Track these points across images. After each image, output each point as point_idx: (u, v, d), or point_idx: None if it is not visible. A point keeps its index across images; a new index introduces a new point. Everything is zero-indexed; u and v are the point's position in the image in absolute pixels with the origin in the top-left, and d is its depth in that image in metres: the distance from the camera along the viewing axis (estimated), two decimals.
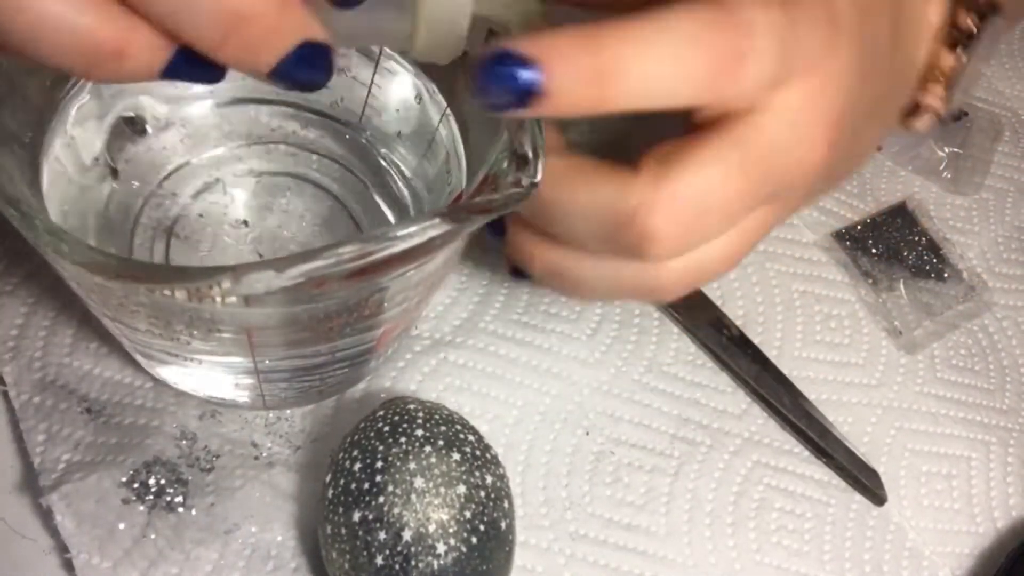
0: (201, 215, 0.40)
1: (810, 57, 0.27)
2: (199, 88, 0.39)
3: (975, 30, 0.36)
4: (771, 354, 0.48)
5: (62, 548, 0.38)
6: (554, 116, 0.26)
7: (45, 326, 0.42)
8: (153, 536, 0.39)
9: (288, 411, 0.42)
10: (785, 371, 0.47)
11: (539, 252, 0.32)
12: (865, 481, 0.45)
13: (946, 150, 0.56)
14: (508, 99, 0.25)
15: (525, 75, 0.24)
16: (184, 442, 0.41)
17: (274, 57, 0.24)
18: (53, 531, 0.39)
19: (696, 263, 0.30)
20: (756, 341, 0.48)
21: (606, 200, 0.27)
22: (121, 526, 0.39)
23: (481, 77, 0.25)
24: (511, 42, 0.24)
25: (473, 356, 0.45)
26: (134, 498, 0.39)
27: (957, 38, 0.36)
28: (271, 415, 0.42)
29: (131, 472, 0.39)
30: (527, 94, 0.24)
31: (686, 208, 0.27)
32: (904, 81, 0.36)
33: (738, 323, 0.48)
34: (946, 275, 0.52)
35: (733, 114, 0.27)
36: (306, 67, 0.24)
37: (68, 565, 0.38)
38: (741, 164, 0.27)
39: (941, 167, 0.55)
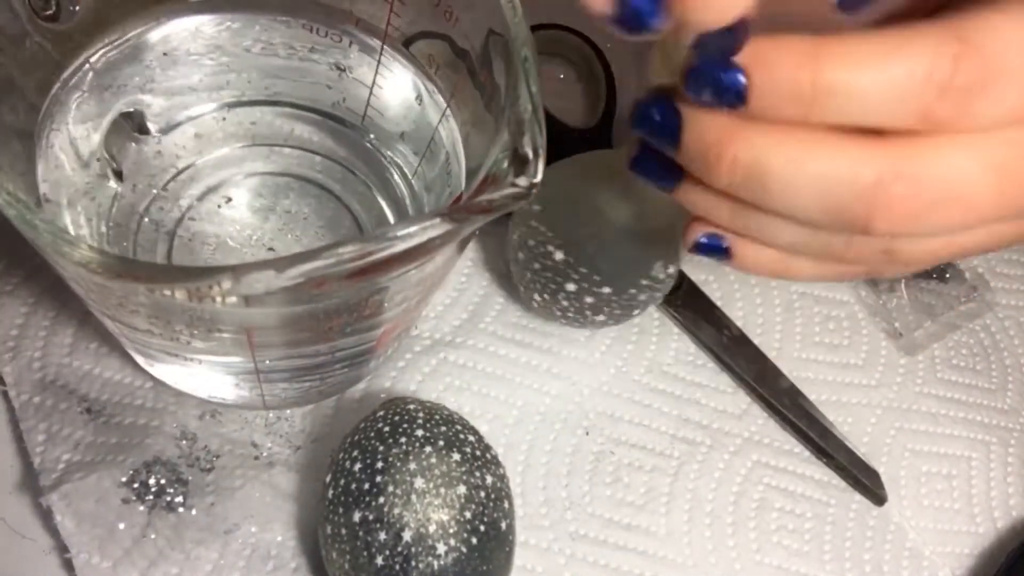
0: (204, 217, 0.40)
1: None
2: (202, 89, 0.39)
3: None
4: (771, 355, 0.48)
5: (62, 548, 0.38)
6: (768, 118, 0.25)
7: (45, 326, 0.42)
8: (153, 536, 0.39)
9: (288, 411, 0.42)
10: (785, 372, 0.47)
11: (731, 208, 0.28)
12: (865, 481, 0.45)
13: None
14: (711, 99, 0.25)
15: (732, 76, 0.24)
16: (184, 442, 0.41)
17: None
18: (53, 531, 0.39)
19: (903, 246, 0.28)
20: (756, 342, 0.48)
21: (843, 166, 0.25)
22: (121, 526, 0.39)
23: (691, 72, 0.25)
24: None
25: (473, 356, 0.45)
26: (134, 498, 0.39)
27: None
28: (271, 415, 0.42)
29: (131, 472, 0.39)
30: (732, 95, 0.24)
31: (930, 190, 0.25)
32: None
33: (738, 324, 0.48)
34: (948, 275, 0.51)
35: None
36: None
37: (68, 565, 0.38)
38: (1003, 167, 0.25)
39: None
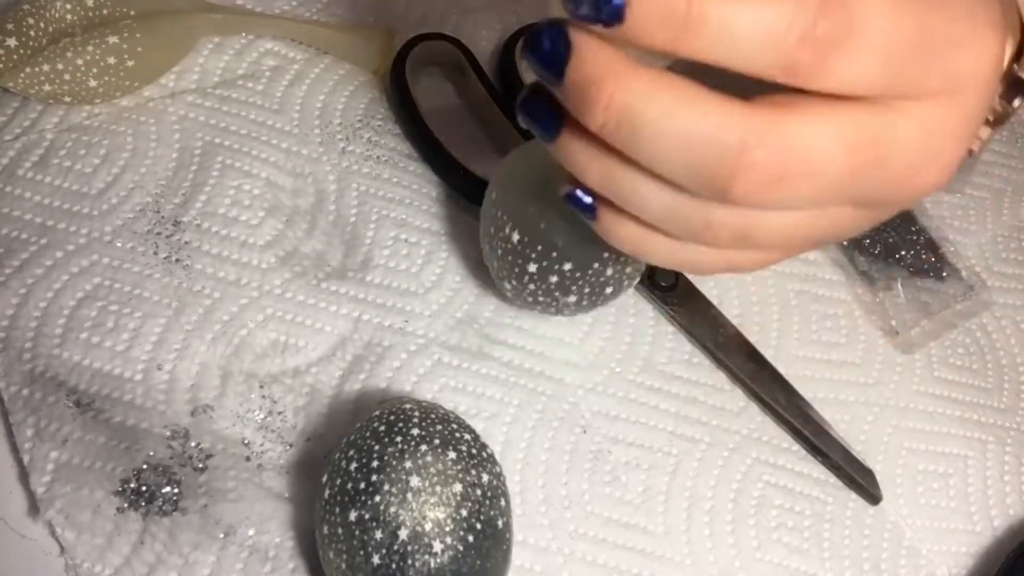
0: None
1: (948, 80, 0.27)
2: None
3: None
4: (767, 353, 0.48)
5: (62, 548, 0.38)
6: (633, 45, 0.25)
7: (36, 317, 0.42)
8: (150, 542, 0.39)
9: (282, 408, 0.42)
10: (782, 370, 0.47)
11: (601, 161, 0.29)
12: (860, 480, 0.45)
13: None
14: (588, 11, 0.25)
15: None
16: (176, 441, 0.41)
17: None
18: (51, 529, 0.39)
19: (758, 227, 0.29)
20: (752, 340, 0.48)
21: (711, 125, 0.26)
22: (118, 535, 0.39)
23: None
24: None
25: (468, 358, 0.45)
26: (127, 506, 0.39)
27: (1014, 80, 0.34)
28: (265, 412, 0.42)
29: (120, 482, 0.39)
30: (608, 13, 0.25)
31: (788, 159, 0.26)
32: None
33: (734, 322, 0.48)
34: (945, 274, 0.51)
35: (864, 99, 0.26)
36: None
37: (68, 565, 0.38)
38: (854, 146, 0.26)
39: None
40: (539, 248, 0.39)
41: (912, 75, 0.26)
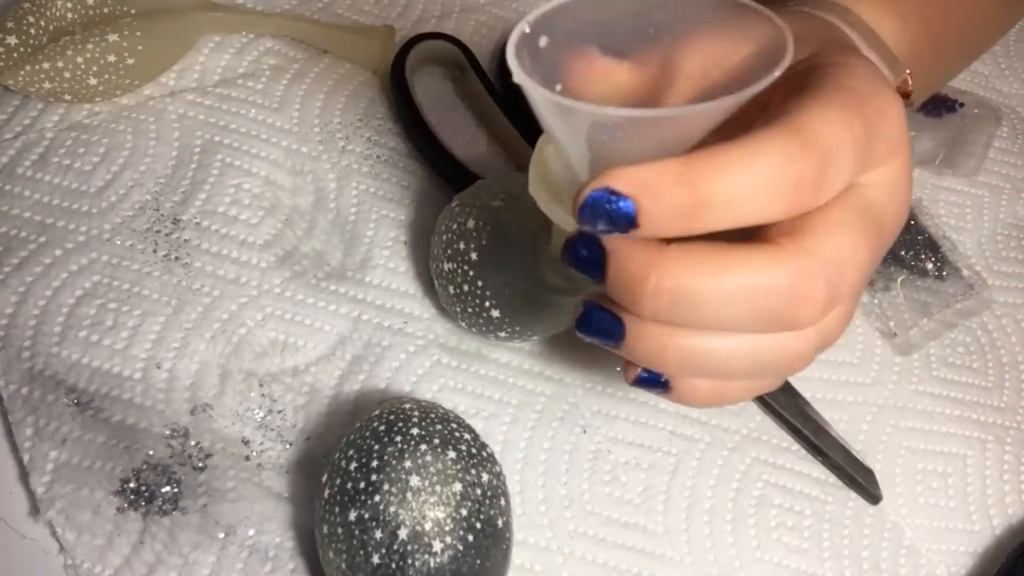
0: None
1: (890, 144, 0.31)
2: None
3: None
4: None
5: (62, 547, 0.38)
6: (661, 236, 0.28)
7: (35, 315, 0.42)
8: (150, 542, 0.39)
9: (281, 407, 0.42)
10: None
11: (674, 342, 0.31)
12: (860, 480, 0.45)
13: (941, 138, 0.56)
14: (607, 227, 0.28)
15: (622, 207, 0.27)
16: (175, 440, 0.41)
17: None
18: (52, 530, 0.39)
19: (826, 327, 0.32)
20: None
21: (758, 279, 0.28)
22: (118, 535, 0.39)
23: (583, 210, 0.28)
24: (611, 177, 0.27)
25: (467, 359, 0.45)
26: (127, 506, 0.39)
27: None
28: (265, 411, 0.42)
29: (120, 481, 0.39)
30: (624, 223, 0.27)
31: (834, 271, 0.29)
32: None
33: None
34: (945, 273, 0.51)
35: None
36: None
37: (68, 565, 0.38)
38: (863, 227, 0.30)
39: (934, 157, 0.56)
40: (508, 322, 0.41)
41: (870, 157, 0.30)
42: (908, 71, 0.40)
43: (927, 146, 0.56)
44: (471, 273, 0.40)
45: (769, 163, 0.28)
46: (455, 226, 0.41)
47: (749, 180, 0.27)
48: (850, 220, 0.30)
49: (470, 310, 0.41)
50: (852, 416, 0.48)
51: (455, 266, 0.41)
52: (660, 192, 0.27)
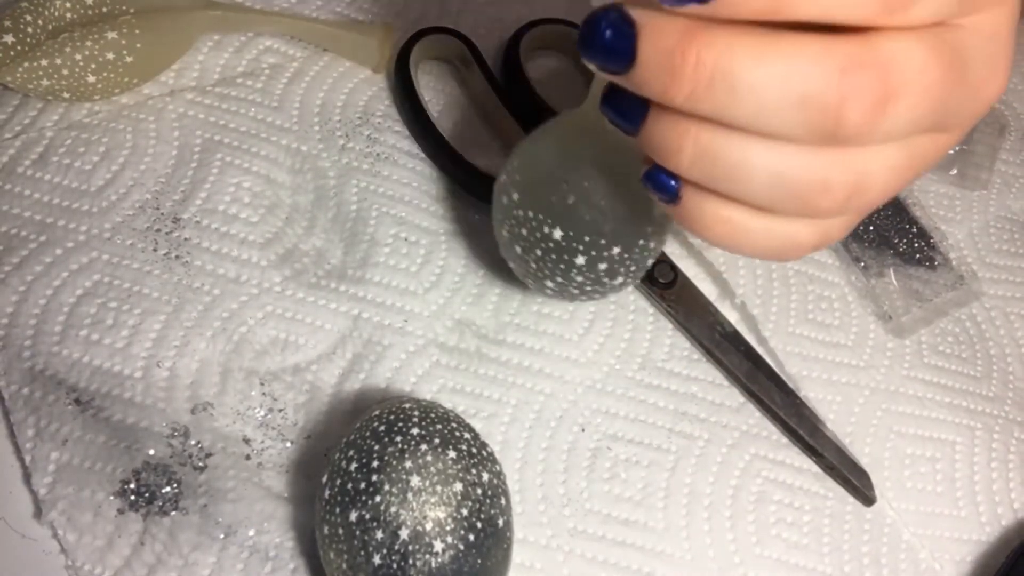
0: None
1: None
2: None
3: None
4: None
5: (62, 548, 0.38)
6: (736, 15, 0.25)
7: (35, 314, 0.42)
8: (150, 543, 0.39)
9: (282, 405, 0.43)
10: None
11: (696, 130, 0.27)
12: (855, 481, 0.45)
13: (955, 148, 0.56)
14: None
15: None
16: (175, 440, 0.41)
17: None
18: (53, 531, 0.39)
19: (868, 174, 0.28)
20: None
21: (808, 59, 0.25)
22: (119, 536, 0.39)
23: None
24: None
25: (466, 359, 0.45)
26: (127, 507, 0.39)
27: None
28: (265, 409, 0.42)
29: (120, 482, 0.39)
30: None
31: (889, 76, 0.25)
32: None
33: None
34: (936, 263, 0.52)
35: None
36: None
37: (69, 566, 0.38)
38: (942, 56, 0.26)
39: (951, 166, 0.56)
40: (586, 240, 0.37)
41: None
42: None
43: None
44: (520, 211, 0.38)
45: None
46: (498, 189, 0.40)
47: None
48: (931, 41, 0.26)
49: (544, 257, 0.39)
50: (845, 398, 0.48)
51: (510, 220, 0.39)
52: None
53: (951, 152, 0.56)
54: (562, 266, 0.39)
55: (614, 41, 0.26)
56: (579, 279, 0.39)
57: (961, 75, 0.27)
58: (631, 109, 0.28)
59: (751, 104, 0.25)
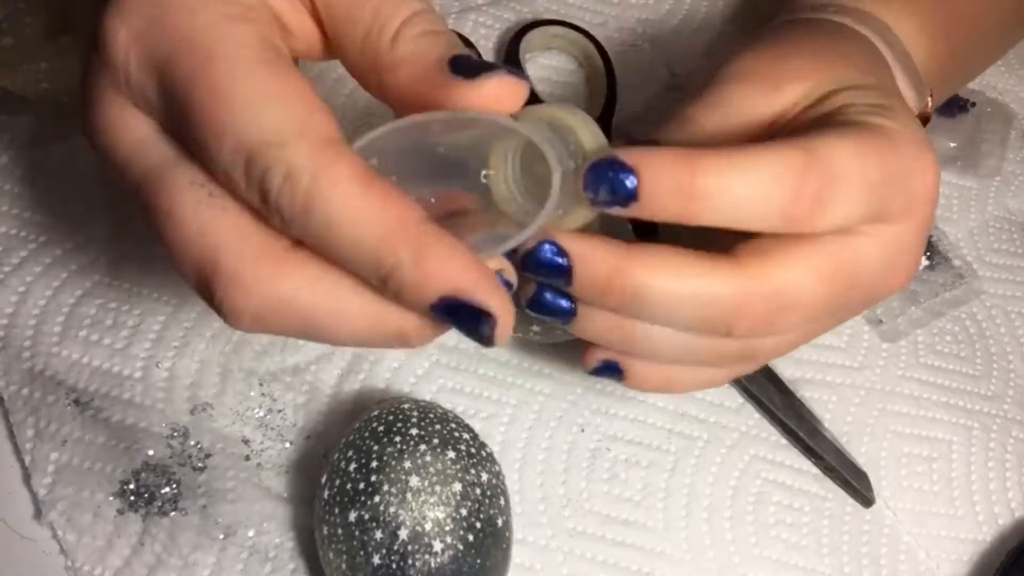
0: None
1: (907, 203, 0.32)
2: None
3: None
4: None
5: (62, 548, 0.38)
6: (648, 218, 0.30)
7: (35, 315, 0.42)
8: (150, 543, 0.39)
9: (281, 406, 0.43)
10: None
11: (619, 325, 0.33)
12: (854, 483, 0.45)
13: (960, 142, 0.56)
14: (607, 197, 0.29)
15: (624, 179, 0.29)
16: (175, 440, 0.41)
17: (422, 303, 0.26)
18: (53, 532, 0.39)
19: (758, 348, 0.34)
20: None
21: (710, 289, 0.30)
22: (118, 537, 0.39)
23: (588, 175, 0.29)
24: (621, 151, 0.29)
25: (465, 359, 0.45)
26: (127, 508, 0.39)
27: None
28: (265, 410, 0.42)
29: (120, 483, 0.40)
30: (624, 196, 0.29)
31: (775, 303, 0.31)
32: None
33: None
34: (934, 262, 0.52)
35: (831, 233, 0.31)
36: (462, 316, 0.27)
37: (68, 567, 0.38)
38: (828, 277, 0.31)
39: (956, 160, 0.56)
40: None
41: (880, 205, 0.31)
42: (931, 92, 0.40)
43: (945, 146, 0.56)
44: None
45: (771, 169, 0.29)
46: None
47: (748, 180, 0.29)
48: (821, 266, 0.31)
49: None
50: (840, 398, 0.48)
51: None
52: (661, 172, 0.29)
53: (954, 147, 0.56)
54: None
55: (552, 266, 0.31)
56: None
57: (850, 288, 0.32)
58: (559, 310, 0.33)
59: (660, 317, 0.31)
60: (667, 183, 0.29)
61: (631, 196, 0.29)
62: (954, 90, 0.50)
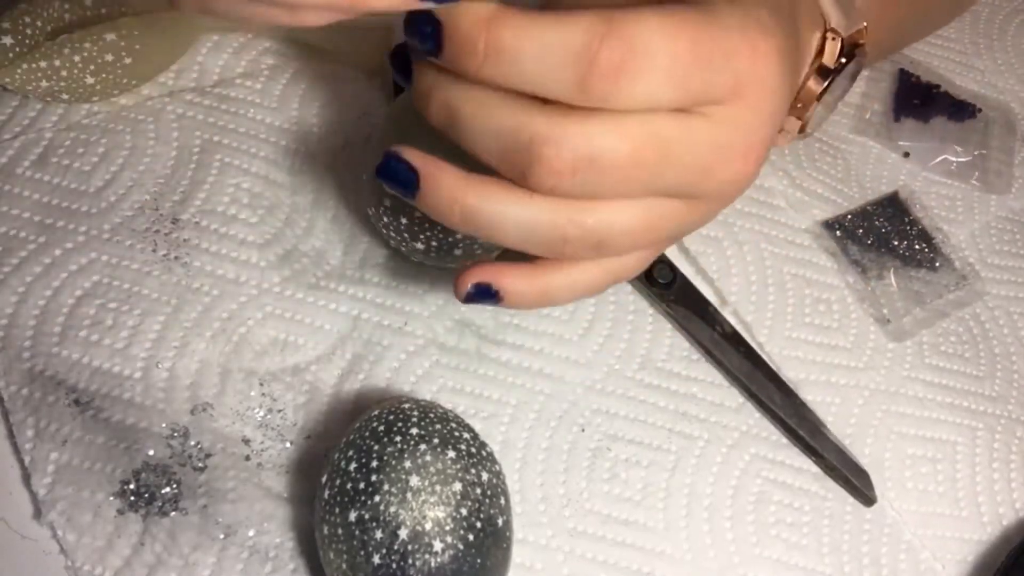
0: None
1: (734, 83, 0.30)
2: None
3: (839, 64, 0.39)
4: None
5: (62, 548, 0.38)
6: (451, 68, 0.30)
7: (35, 315, 0.42)
8: (150, 543, 0.39)
9: (281, 406, 0.43)
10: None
11: (463, 196, 0.32)
12: (855, 482, 0.45)
13: (974, 153, 0.56)
14: (416, 43, 0.30)
15: (428, 29, 0.29)
16: (175, 440, 0.41)
17: None
18: (53, 532, 0.39)
19: (606, 232, 0.32)
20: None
21: (511, 121, 0.30)
22: (119, 537, 0.39)
23: (407, 25, 0.30)
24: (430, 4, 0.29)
25: (466, 359, 0.45)
26: (127, 508, 0.39)
27: (821, 69, 0.39)
28: (265, 410, 0.42)
29: (120, 483, 0.40)
30: (430, 47, 0.30)
31: (572, 155, 0.29)
32: (791, 99, 0.39)
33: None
34: (938, 264, 0.52)
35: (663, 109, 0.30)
36: None
37: (68, 567, 0.38)
38: (638, 144, 0.30)
39: (973, 173, 0.56)
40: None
41: (696, 87, 0.30)
42: (864, 23, 0.39)
43: (959, 154, 0.56)
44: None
45: (568, 33, 0.28)
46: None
47: (543, 39, 0.28)
48: (631, 132, 0.30)
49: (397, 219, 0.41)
50: (844, 399, 0.48)
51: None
52: (458, 26, 0.29)
53: (967, 159, 0.56)
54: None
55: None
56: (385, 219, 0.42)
57: (669, 161, 0.30)
58: (406, 179, 0.33)
59: (470, 142, 0.31)
60: (463, 35, 0.29)
61: (434, 49, 0.30)
62: (901, 33, 0.49)
